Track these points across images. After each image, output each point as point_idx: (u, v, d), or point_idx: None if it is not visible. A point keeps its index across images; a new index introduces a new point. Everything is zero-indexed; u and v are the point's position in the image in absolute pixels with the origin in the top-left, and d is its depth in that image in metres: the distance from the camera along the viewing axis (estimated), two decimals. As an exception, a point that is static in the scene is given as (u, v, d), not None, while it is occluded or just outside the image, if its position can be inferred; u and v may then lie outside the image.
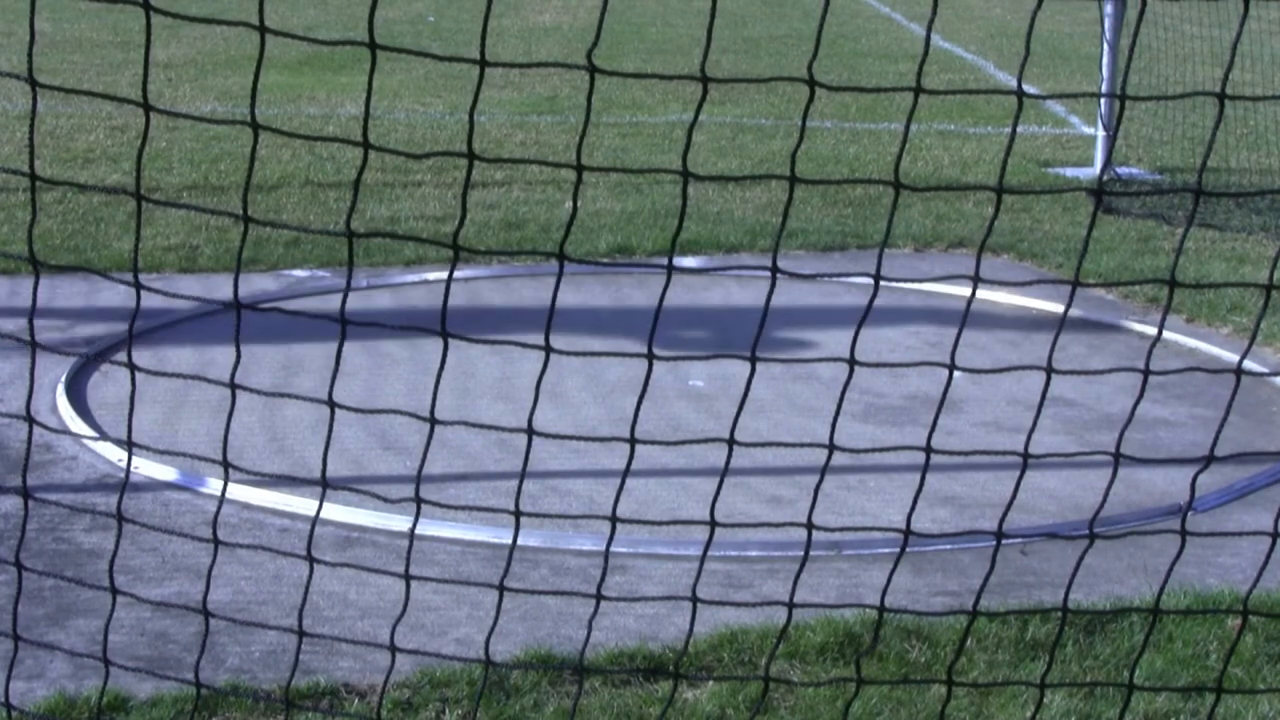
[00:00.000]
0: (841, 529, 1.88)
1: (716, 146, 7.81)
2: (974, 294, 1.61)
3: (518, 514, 1.73)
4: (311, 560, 1.80)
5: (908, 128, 1.59)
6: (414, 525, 1.82)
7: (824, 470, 1.79)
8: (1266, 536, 1.75)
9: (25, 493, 1.84)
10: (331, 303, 4.78)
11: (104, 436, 3.65)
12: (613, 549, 2.26)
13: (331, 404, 1.71)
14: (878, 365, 1.73)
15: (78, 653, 2.40)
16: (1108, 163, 7.25)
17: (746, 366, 1.67)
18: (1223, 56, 7.52)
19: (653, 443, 1.75)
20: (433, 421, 1.70)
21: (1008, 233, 5.89)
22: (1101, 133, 7.01)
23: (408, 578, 1.80)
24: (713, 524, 1.69)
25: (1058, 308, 4.88)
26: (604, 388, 4.13)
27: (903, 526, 1.74)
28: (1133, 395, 4.04)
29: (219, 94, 9.36)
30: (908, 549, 3.03)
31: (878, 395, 4.11)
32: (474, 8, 15.41)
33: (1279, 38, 9.35)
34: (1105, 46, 6.82)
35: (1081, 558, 1.85)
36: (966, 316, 1.67)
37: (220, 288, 4.99)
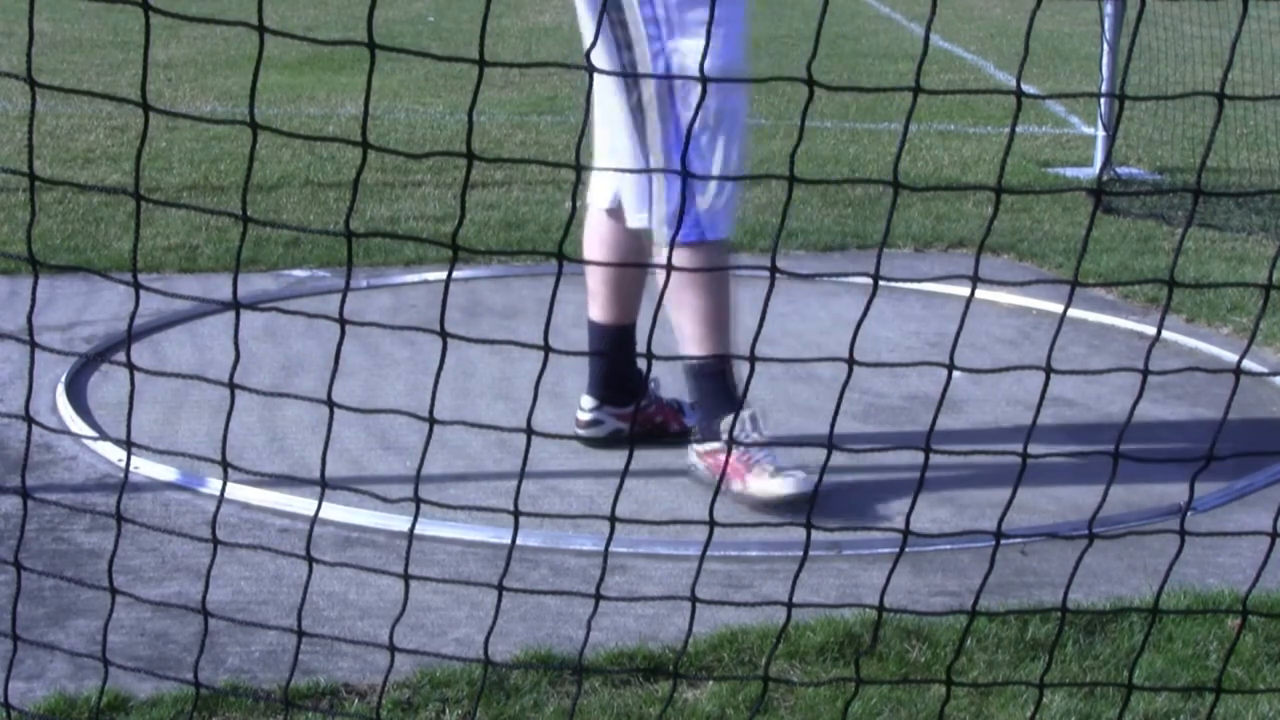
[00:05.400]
0: (841, 529, 1.88)
1: (716, 146, 7.80)
2: (974, 294, 1.61)
3: (517, 514, 1.73)
4: (311, 560, 1.80)
5: (907, 127, 1.59)
6: (414, 525, 1.81)
7: (823, 470, 1.79)
8: (1266, 536, 1.76)
9: (25, 493, 1.84)
10: (331, 303, 4.78)
11: (104, 436, 3.65)
12: (613, 549, 2.26)
13: (331, 404, 1.71)
14: (878, 365, 1.73)
15: (78, 653, 2.40)
16: (1107, 163, 7.25)
17: (746, 367, 1.67)
18: (1223, 56, 7.51)
19: (652, 443, 1.76)
20: (432, 421, 1.70)
21: (1008, 233, 5.88)
22: (1101, 133, 7.02)
23: (407, 578, 1.80)
24: (712, 524, 1.69)
25: (1058, 308, 4.88)
26: (604, 388, 4.12)
27: (903, 526, 1.74)
28: (1133, 395, 4.04)
29: (219, 94, 9.36)
30: (907, 549, 3.04)
31: (878, 395, 4.11)
32: (474, 8, 15.41)
33: (1279, 38, 9.34)
34: (1105, 46, 6.82)
35: (1081, 558, 1.85)
36: (966, 316, 1.67)
37: (220, 288, 4.99)
